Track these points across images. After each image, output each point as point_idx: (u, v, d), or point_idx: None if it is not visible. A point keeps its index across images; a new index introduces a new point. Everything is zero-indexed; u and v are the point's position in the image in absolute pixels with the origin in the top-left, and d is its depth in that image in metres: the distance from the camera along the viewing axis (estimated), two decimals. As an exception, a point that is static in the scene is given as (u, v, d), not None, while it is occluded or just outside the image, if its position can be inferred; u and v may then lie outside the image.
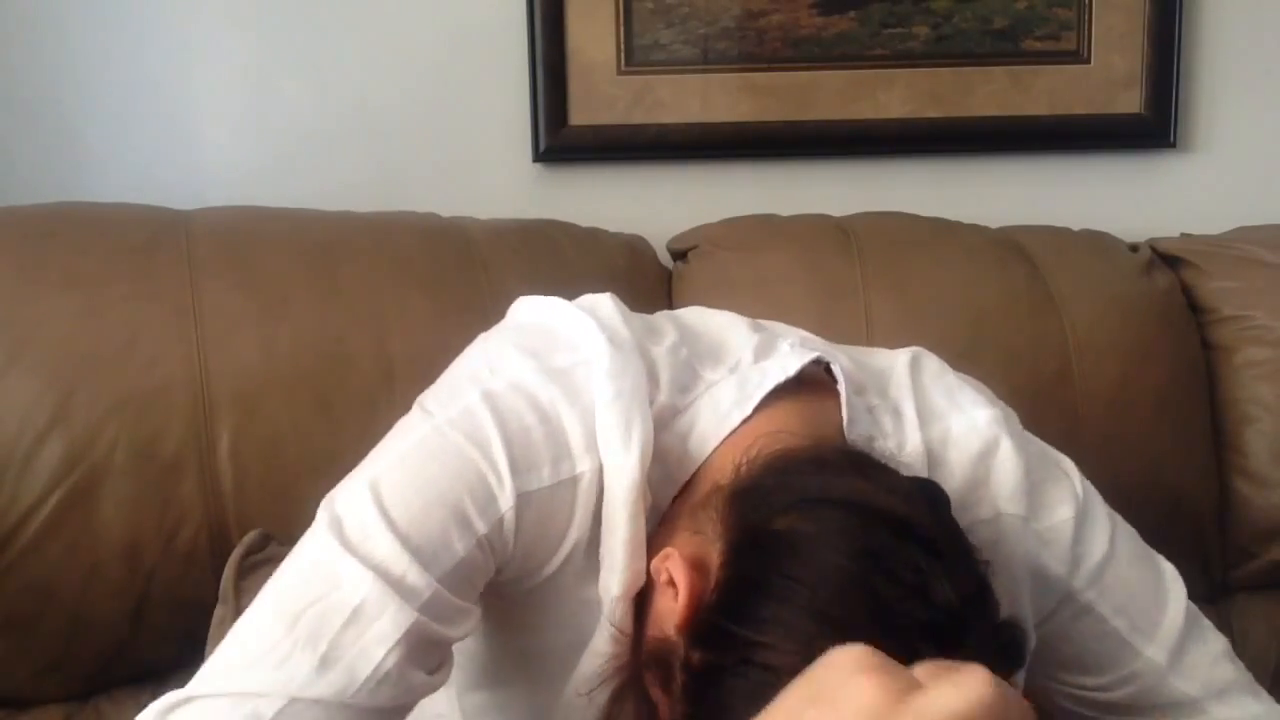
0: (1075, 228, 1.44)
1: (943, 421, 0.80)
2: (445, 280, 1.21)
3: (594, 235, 1.35)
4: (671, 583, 0.65)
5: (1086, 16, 1.50)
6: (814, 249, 1.32)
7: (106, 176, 1.44)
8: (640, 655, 0.69)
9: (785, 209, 1.41)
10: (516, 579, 0.72)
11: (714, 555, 0.66)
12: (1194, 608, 0.84)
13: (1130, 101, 1.52)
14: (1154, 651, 0.81)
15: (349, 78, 1.47)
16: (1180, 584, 0.84)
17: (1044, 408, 1.26)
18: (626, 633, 0.70)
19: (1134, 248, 1.41)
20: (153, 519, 1.10)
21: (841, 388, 0.76)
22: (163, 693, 0.65)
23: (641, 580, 0.70)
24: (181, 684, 0.65)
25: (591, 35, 1.46)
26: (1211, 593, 1.33)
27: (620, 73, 1.47)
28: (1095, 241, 1.41)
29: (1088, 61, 1.51)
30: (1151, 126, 1.52)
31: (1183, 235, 1.46)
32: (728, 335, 0.81)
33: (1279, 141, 1.56)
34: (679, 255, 1.38)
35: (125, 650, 1.12)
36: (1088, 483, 0.85)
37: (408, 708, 0.67)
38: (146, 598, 1.11)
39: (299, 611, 0.64)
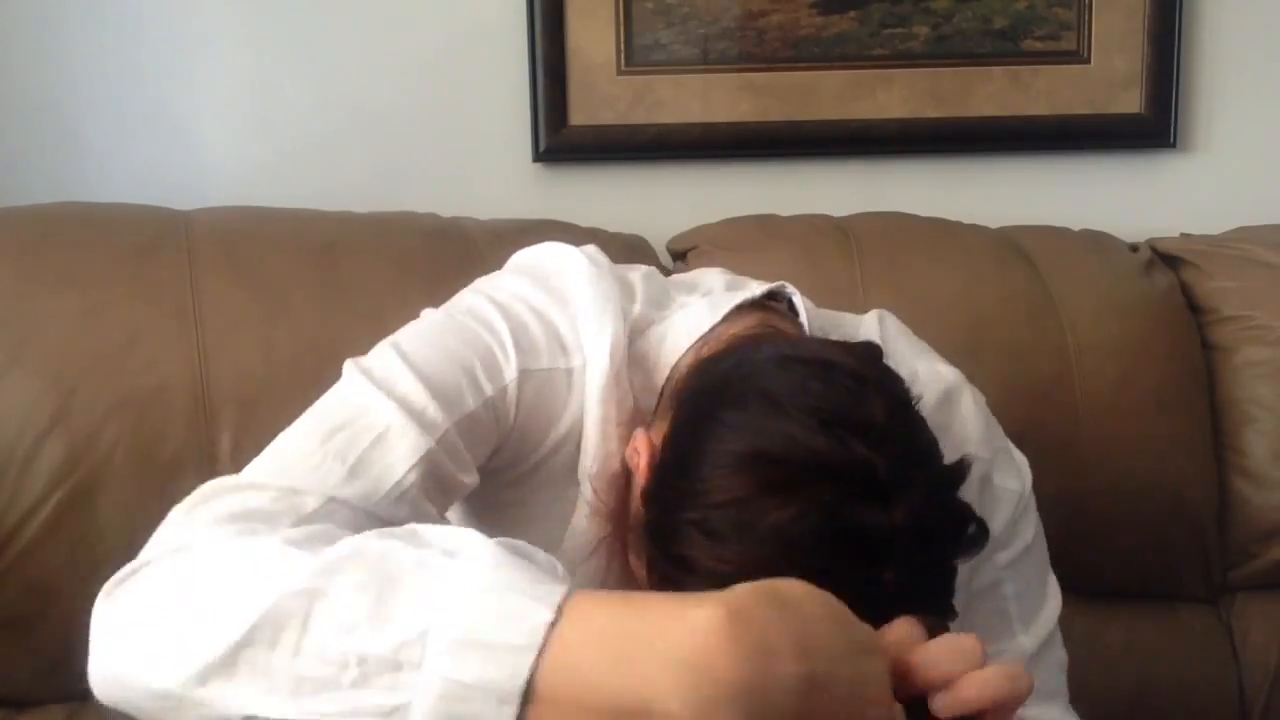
0: (1075, 228, 1.43)
1: (908, 366, 0.86)
2: (445, 280, 1.19)
3: (594, 235, 1.35)
4: (638, 462, 0.72)
5: (1086, 16, 1.50)
6: (814, 249, 1.32)
7: (106, 176, 1.44)
8: (622, 534, 0.77)
9: (785, 209, 1.41)
10: (513, 461, 0.79)
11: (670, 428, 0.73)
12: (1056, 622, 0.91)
13: (1130, 101, 1.51)
14: (1026, 640, 0.87)
15: (349, 78, 1.47)
16: (1059, 596, 0.91)
17: (1044, 408, 1.27)
18: (601, 510, 0.78)
19: (1134, 248, 1.41)
20: (153, 519, 1.09)
21: (800, 309, 0.84)
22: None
23: (614, 463, 0.77)
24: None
25: (591, 35, 1.45)
26: (1211, 593, 1.33)
27: (620, 73, 1.47)
28: (1095, 241, 1.41)
29: (1088, 61, 1.51)
30: (1151, 126, 1.52)
31: (1183, 235, 1.46)
32: (701, 275, 0.90)
33: (1279, 141, 1.56)
34: (679, 255, 1.38)
35: (125, 650, 1.12)
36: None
37: None
38: (146, 598, 1.11)
39: (330, 431, 0.72)
